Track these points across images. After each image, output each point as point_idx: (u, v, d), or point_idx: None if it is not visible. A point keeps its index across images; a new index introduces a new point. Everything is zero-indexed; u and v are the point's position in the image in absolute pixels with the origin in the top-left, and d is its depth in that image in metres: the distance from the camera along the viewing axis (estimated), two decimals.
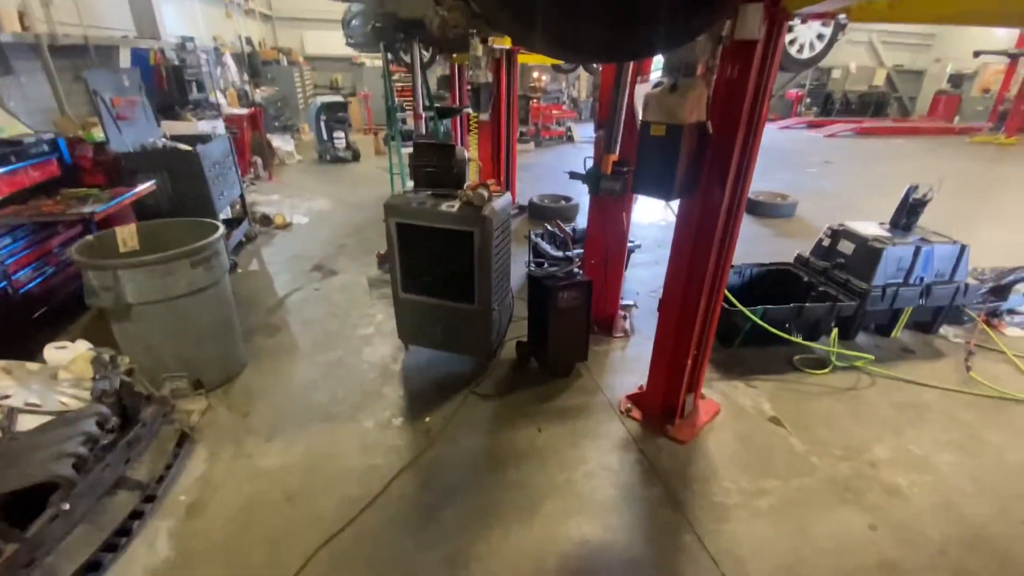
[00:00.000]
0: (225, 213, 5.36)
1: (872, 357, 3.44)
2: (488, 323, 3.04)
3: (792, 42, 3.39)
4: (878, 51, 18.15)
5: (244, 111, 8.60)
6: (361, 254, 5.18)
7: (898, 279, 3.55)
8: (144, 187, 3.99)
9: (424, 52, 5.84)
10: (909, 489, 2.47)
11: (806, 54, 3.41)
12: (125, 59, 5.89)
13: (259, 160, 8.45)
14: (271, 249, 5.43)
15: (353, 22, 7.20)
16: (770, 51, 1.94)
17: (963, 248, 3.59)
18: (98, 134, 4.19)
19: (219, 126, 6.74)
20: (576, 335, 3.18)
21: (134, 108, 4.57)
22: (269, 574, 2.01)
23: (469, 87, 5.81)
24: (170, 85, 6.52)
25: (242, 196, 5.57)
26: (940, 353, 3.64)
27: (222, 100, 8.55)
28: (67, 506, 1.83)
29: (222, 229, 3.02)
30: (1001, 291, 4.01)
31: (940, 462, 2.64)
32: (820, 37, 3.51)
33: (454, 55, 6.33)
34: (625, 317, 3.89)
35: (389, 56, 5.47)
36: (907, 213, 3.75)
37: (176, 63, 6.91)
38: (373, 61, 13.61)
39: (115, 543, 2.00)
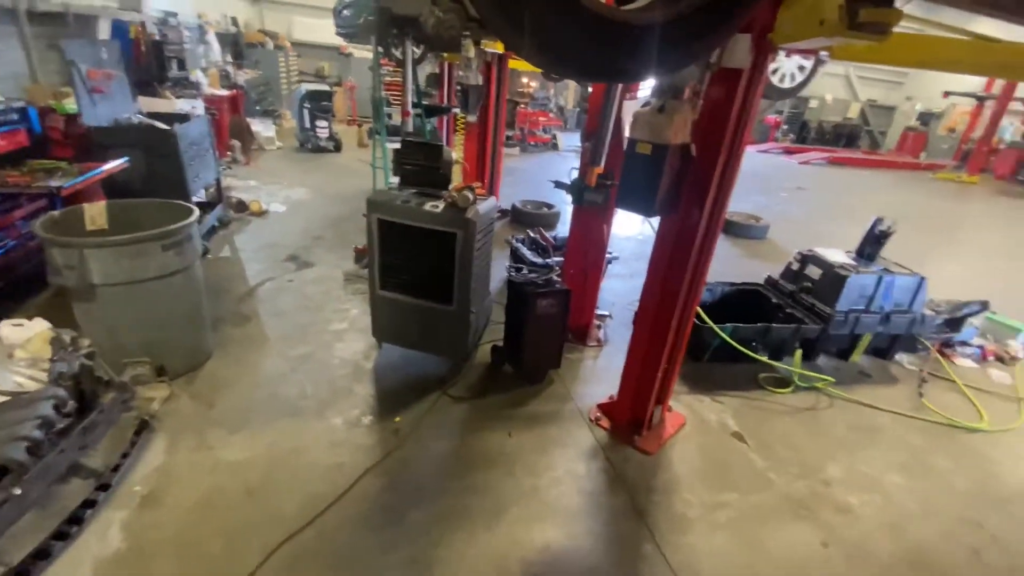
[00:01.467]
0: (199, 196, 5.22)
1: (832, 379, 3.58)
2: (465, 325, 3.05)
3: (775, 71, 3.53)
4: (854, 85, 18.91)
5: (225, 92, 8.40)
6: (338, 247, 5.11)
7: (860, 306, 3.70)
8: (115, 164, 3.86)
9: (415, 49, 5.82)
10: (860, 508, 2.57)
11: (787, 84, 3.56)
12: (105, 30, 5.68)
13: (238, 144, 8.26)
14: (245, 236, 5.31)
15: (345, 12, 7.12)
16: (755, 79, 2.01)
17: (921, 280, 3.77)
18: (70, 105, 4.03)
19: (198, 106, 6.57)
20: (551, 342, 3.21)
21: (111, 82, 4.42)
22: (225, 570, 1.96)
23: (458, 87, 5.81)
24: (149, 60, 6.32)
25: (218, 180, 5.43)
26: (895, 379, 3.80)
27: (203, 79, 8.32)
28: (19, 491, 1.75)
29: (196, 213, 2.95)
30: (955, 323, 4.22)
31: (889, 483, 2.76)
32: (801, 69, 3.66)
33: (445, 54, 6.33)
34: (599, 327, 3.94)
35: (380, 50, 5.42)
36: (872, 244, 3.92)
37: (157, 38, 6.69)
38: (362, 52, 13.46)
39: (66, 531, 1.92)
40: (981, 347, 4.22)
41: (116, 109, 4.41)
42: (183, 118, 5.01)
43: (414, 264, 2.98)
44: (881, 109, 19.01)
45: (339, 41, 11.01)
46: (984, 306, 4.32)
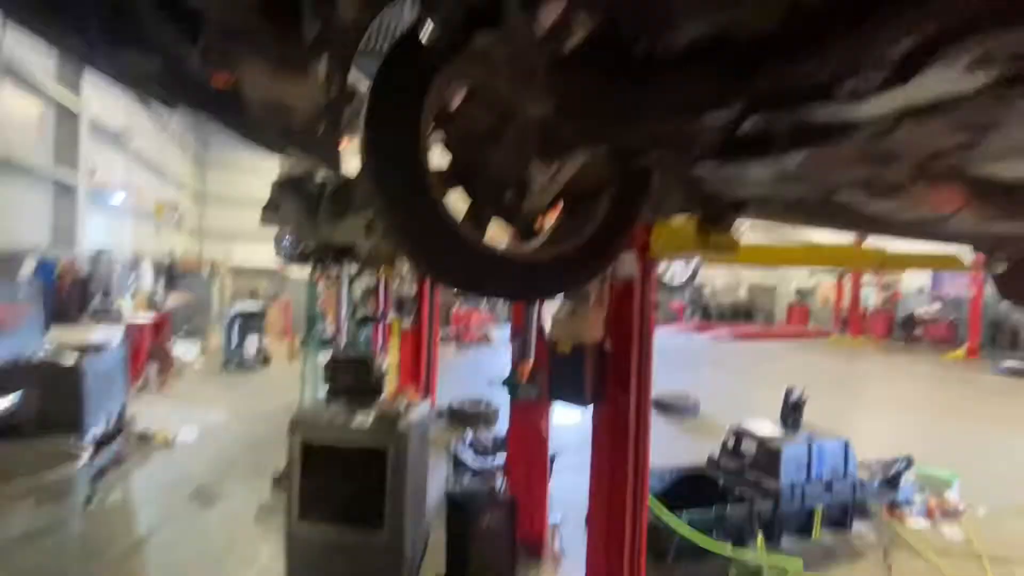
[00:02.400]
0: (99, 427, 4.70)
1: (801, 561, 3.36)
2: (399, 556, 2.67)
3: (665, 272, 4.13)
4: (736, 271, 22.24)
5: (148, 318, 8.27)
6: (254, 476, 4.56)
7: (801, 476, 3.73)
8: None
9: (351, 270, 6.27)
10: None
11: (677, 281, 4.14)
12: (29, 267, 5.71)
13: (155, 367, 7.85)
14: (144, 472, 4.69)
15: (285, 241, 7.73)
16: (647, 284, 2.34)
17: (847, 443, 3.94)
18: None
19: (116, 335, 6.36)
20: (501, 563, 2.85)
21: (20, 317, 4.27)
22: None
23: (394, 296, 6.16)
24: (72, 293, 6.27)
25: (122, 409, 4.97)
26: (859, 553, 3.67)
27: (127, 307, 8.24)
28: None
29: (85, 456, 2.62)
30: (891, 482, 4.30)
31: None
32: (686, 267, 4.31)
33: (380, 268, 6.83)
34: (555, 537, 3.60)
35: (317, 271, 5.80)
36: (790, 413, 4.15)
37: (83, 275, 6.77)
38: (299, 273, 14.20)
39: None
40: (925, 504, 4.25)
41: (21, 344, 4.18)
42: (98, 348, 4.80)
43: (340, 487, 2.71)
44: (763, 289, 22.17)
45: (278, 262, 11.66)
46: (909, 462, 4.49)
